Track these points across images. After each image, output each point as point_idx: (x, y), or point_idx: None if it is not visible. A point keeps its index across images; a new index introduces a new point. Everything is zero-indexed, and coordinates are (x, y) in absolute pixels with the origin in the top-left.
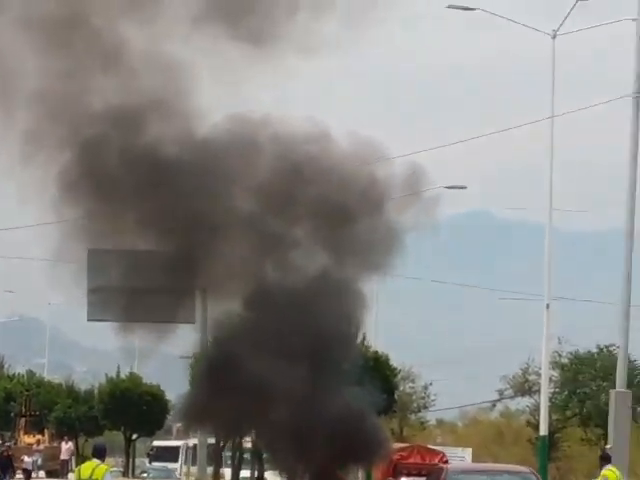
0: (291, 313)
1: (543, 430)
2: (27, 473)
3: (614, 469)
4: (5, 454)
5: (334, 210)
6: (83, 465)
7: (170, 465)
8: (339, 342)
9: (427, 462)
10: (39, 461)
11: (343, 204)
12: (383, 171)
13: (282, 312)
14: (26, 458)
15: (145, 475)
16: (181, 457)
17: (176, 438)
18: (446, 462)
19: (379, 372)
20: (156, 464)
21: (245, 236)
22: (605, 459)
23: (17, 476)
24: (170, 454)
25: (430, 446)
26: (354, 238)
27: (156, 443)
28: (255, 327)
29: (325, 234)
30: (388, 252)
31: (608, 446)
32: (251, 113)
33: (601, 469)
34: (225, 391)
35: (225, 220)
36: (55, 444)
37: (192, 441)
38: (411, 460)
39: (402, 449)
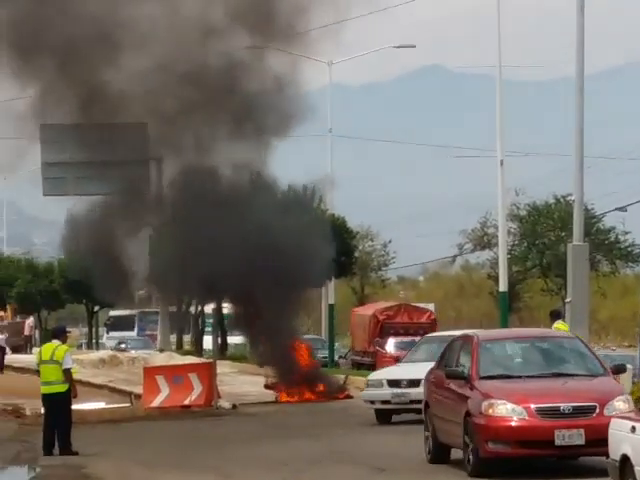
0: None
1: (502, 286)
2: (1, 350)
3: (563, 323)
4: None
5: None
6: (44, 346)
7: (127, 334)
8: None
9: (415, 321)
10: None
11: None
12: None
13: None
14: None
15: (124, 346)
16: (136, 326)
17: (138, 306)
18: (434, 320)
19: (336, 235)
20: (115, 333)
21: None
22: (555, 315)
23: None
24: (126, 323)
25: (417, 304)
26: None
27: (112, 313)
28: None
29: None
30: None
31: (568, 299)
32: None
33: (552, 324)
34: (185, 256)
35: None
36: (18, 319)
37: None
38: (398, 319)
39: (388, 308)
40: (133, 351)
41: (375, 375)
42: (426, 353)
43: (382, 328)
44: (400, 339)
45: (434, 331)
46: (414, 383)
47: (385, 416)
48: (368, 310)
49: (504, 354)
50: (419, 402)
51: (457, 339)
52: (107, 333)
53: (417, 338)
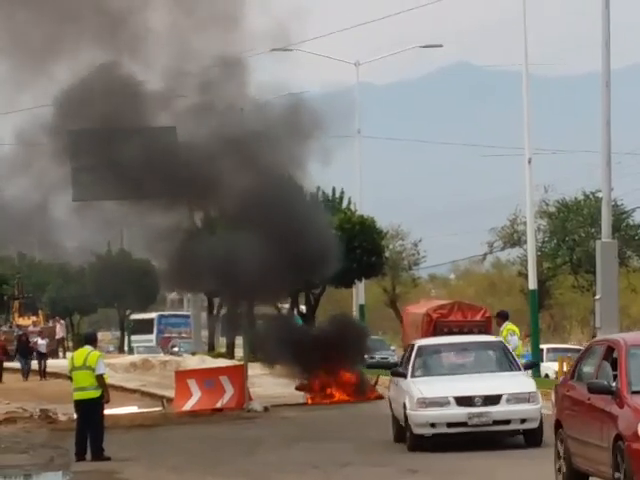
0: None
1: (532, 284)
2: (42, 356)
3: (512, 324)
4: (24, 338)
5: None
6: (76, 352)
7: (146, 337)
8: None
9: (469, 319)
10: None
11: None
12: None
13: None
14: (39, 340)
15: (177, 349)
16: (155, 328)
17: (170, 309)
18: (489, 318)
19: (366, 235)
20: (135, 337)
21: None
22: (503, 316)
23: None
24: (146, 326)
25: (470, 303)
26: None
27: (133, 317)
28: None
29: None
30: None
31: (597, 296)
32: None
33: (500, 326)
34: (212, 257)
35: None
36: (50, 324)
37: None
38: (452, 318)
39: (441, 306)
40: (185, 354)
41: (428, 391)
42: (444, 365)
43: (435, 327)
44: None
45: (489, 329)
46: (491, 400)
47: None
48: (421, 308)
49: None
50: (504, 423)
51: (596, 344)
52: (129, 336)
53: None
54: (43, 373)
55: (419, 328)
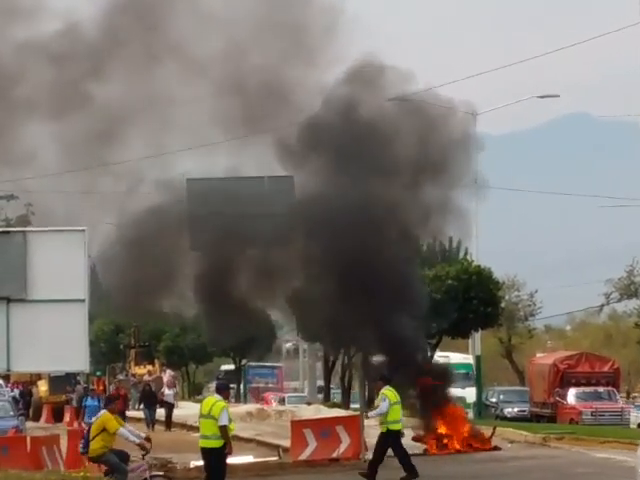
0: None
1: None
2: (169, 406)
3: (392, 390)
4: (148, 388)
5: None
6: (204, 400)
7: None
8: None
9: (597, 370)
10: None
11: None
12: None
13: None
14: (167, 390)
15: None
16: (243, 379)
17: (286, 359)
18: (617, 369)
19: (482, 286)
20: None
21: None
22: (384, 380)
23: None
24: (234, 377)
25: (598, 354)
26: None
27: (223, 367)
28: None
29: None
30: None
31: None
32: None
33: (380, 389)
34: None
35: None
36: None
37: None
38: (579, 369)
39: (568, 357)
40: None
41: None
42: None
43: (562, 377)
44: (582, 389)
45: (618, 381)
46: None
47: None
48: (548, 359)
49: None
50: None
51: None
52: (244, 386)
53: (599, 388)
54: (169, 423)
55: (545, 379)
